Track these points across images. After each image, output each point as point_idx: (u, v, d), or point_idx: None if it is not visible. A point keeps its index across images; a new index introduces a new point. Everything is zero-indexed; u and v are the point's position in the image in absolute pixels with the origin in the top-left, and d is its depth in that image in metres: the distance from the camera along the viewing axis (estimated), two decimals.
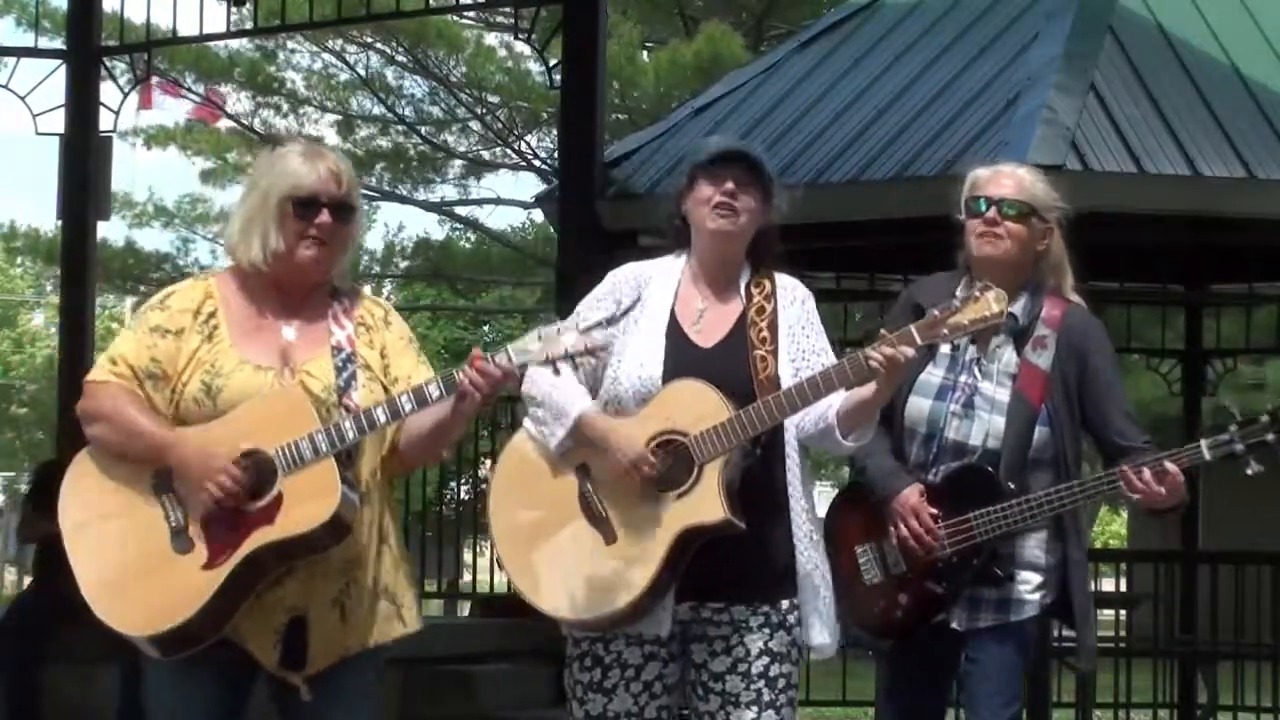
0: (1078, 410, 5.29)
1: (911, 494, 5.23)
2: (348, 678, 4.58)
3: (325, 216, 4.58)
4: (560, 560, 4.79)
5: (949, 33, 11.32)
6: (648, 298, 4.95)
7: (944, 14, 11.58)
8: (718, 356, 4.87)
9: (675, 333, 4.92)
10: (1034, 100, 10.11)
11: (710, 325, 4.94)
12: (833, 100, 11.08)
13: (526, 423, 4.91)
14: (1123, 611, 13.89)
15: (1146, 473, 5.09)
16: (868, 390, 4.73)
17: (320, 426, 4.43)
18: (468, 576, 18.31)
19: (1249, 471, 5.16)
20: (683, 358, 4.86)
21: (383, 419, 4.46)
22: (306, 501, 4.40)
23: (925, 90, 10.76)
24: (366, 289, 5.02)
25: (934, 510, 5.23)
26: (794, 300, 4.99)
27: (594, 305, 4.88)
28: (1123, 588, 14.40)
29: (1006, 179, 5.34)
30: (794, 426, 4.86)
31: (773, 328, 4.90)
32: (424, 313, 33.25)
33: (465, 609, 12.80)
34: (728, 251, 4.96)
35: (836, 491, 5.61)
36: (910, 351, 4.64)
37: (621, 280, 5.00)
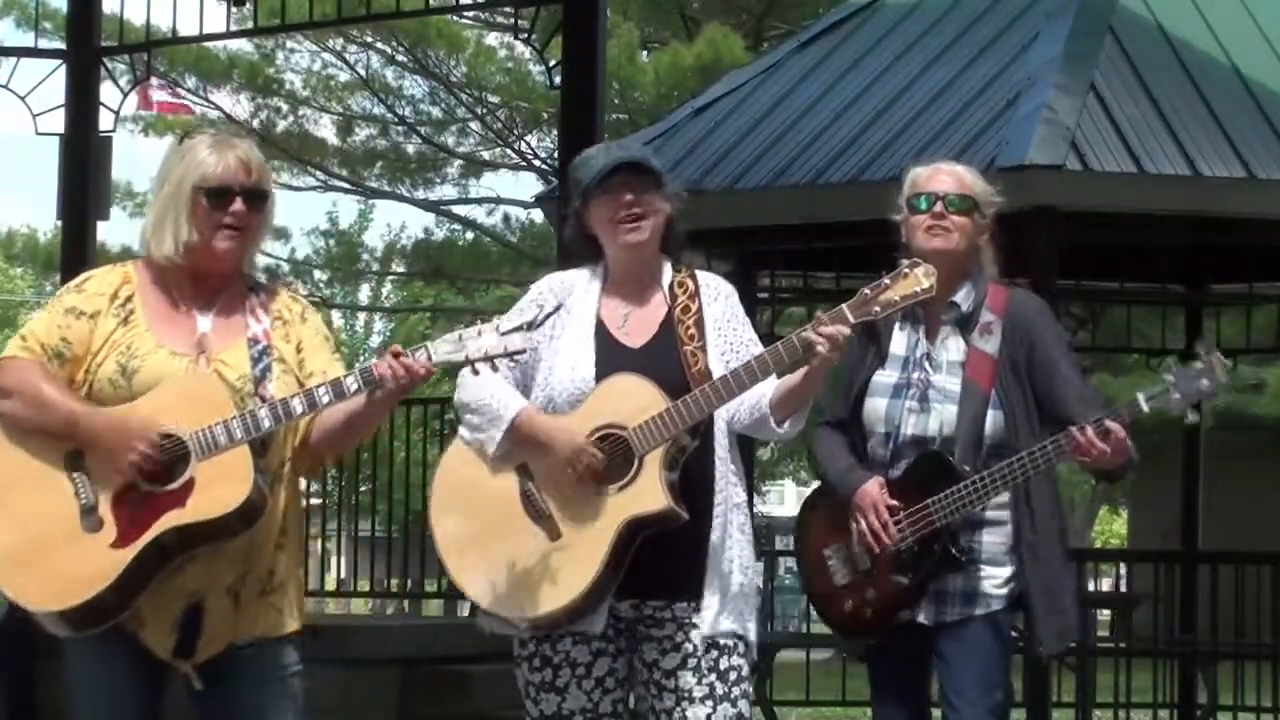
0: (1029, 393, 5.33)
1: (871, 487, 5.28)
2: (242, 666, 4.58)
3: (239, 205, 4.59)
4: (507, 562, 4.83)
5: (949, 33, 11.32)
6: (571, 304, 5.01)
7: (944, 14, 11.58)
8: (648, 355, 4.93)
9: (603, 335, 4.98)
10: (1034, 100, 10.11)
11: (636, 326, 5.00)
12: (833, 100, 11.08)
13: (462, 431, 4.95)
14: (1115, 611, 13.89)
15: (1089, 430, 5.11)
16: (797, 377, 4.81)
17: (236, 414, 4.44)
18: None
19: (1187, 420, 5.20)
20: (614, 358, 4.92)
21: (300, 409, 4.48)
22: (219, 486, 4.41)
23: (925, 90, 10.76)
24: (287, 288, 5.02)
25: (895, 502, 5.26)
26: (717, 296, 5.04)
27: (518, 312, 4.90)
28: (1123, 588, 14.42)
29: (945, 175, 5.43)
30: (725, 418, 4.92)
31: (699, 324, 4.96)
32: (424, 313, 33.24)
33: (465, 609, 12.79)
34: (642, 257, 5.02)
35: (796, 488, 5.66)
36: (846, 330, 4.71)
37: (546, 288, 5.06)
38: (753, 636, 4.97)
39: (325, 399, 4.48)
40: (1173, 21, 10.99)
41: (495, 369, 4.53)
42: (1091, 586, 14.30)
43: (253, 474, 4.42)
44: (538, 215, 25.92)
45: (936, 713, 5.46)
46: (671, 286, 5.02)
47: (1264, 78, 10.74)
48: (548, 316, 4.89)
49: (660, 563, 4.80)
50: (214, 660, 4.57)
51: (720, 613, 4.88)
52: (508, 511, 4.85)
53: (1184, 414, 5.17)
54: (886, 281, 4.77)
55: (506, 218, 28.20)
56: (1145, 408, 5.16)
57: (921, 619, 5.31)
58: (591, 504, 4.79)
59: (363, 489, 14.43)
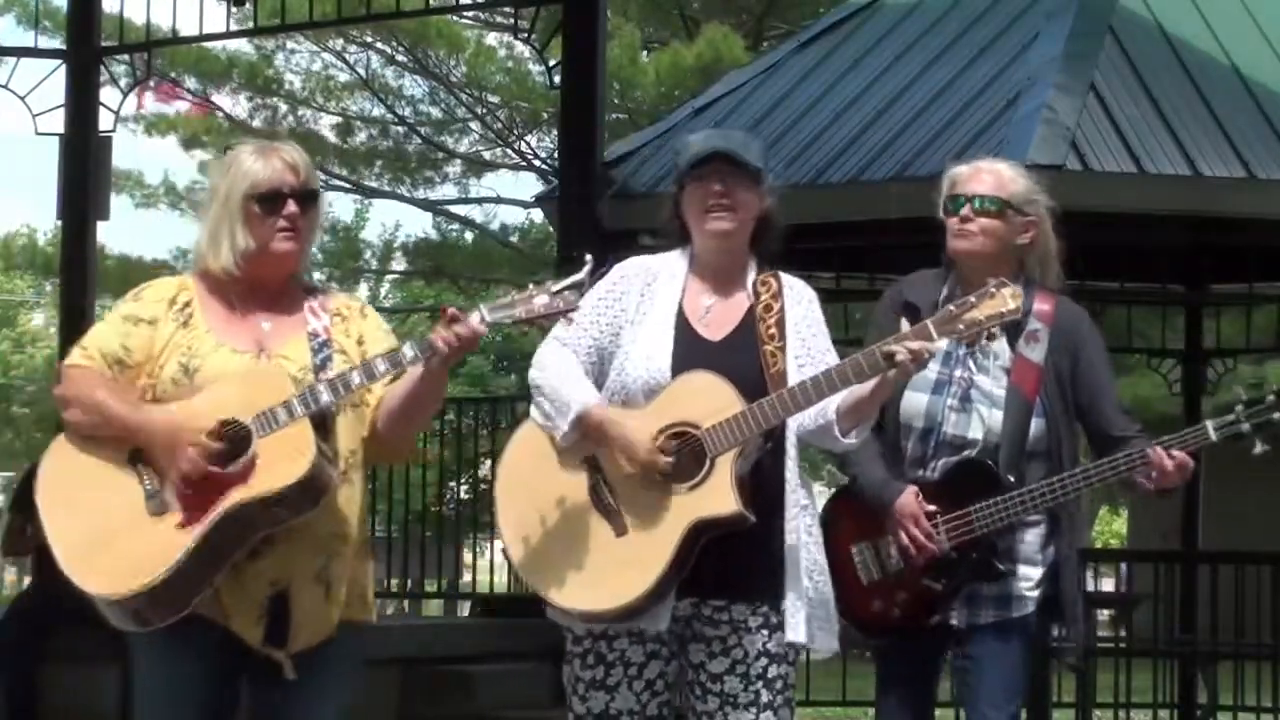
0: (1070, 402, 5.31)
1: (909, 499, 5.23)
2: (327, 654, 4.60)
3: (291, 206, 4.62)
4: (571, 554, 4.77)
5: (949, 33, 11.32)
6: (654, 291, 4.95)
7: (944, 14, 11.58)
8: (727, 350, 4.87)
9: (683, 326, 4.91)
10: (1034, 100, 10.11)
11: (717, 319, 4.94)
12: (833, 100, 11.08)
13: (533, 412, 4.90)
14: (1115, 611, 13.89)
15: (1178, 453, 5.10)
16: (867, 388, 4.74)
17: (295, 394, 4.46)
18: (468, 576, 18.30)
19: (1255, 451, 5.19)
20: (691, 350, 4.86)
21: (357, 381, 4.49)
22: (281, 462, 4.42)
23: (925, 90, 10.76)
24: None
25: (932, 508, 5.23)
26: (800, 300, 5.00)
27: (601, 298, 4.90)
28: (1123, 588, 14.42)
29: (986, 175, 5.39)
30: (794, 423, 4.86)
31: (780, 325, 4.90)
32: (424, 313, 33.24)
33: (465, 609, 12.79)
34: (729, 248, 4.96)
35: (823, 490, 5.62)
36: (933, 347, 4.68)
37: (630, 273, 4.99)
38: (824, 642, 4.89)
39: (383, 368, 4.49)
40: (1173, 21, 10.98)
41: (545, 329, 4.49)
42: (1092, 586, 14.27)
43: (314, 447, 4.43)
44: (537, 215, 25.93)
45: (937, 713, 5.45)
46: (755, 284, 4.97)
47: (1264, 78, 10.74)
48: (599, 277, 4.83)
49: (724, 563, 4.75)
50: (306, 649, 4.57)
51: (802, 620, 4.81)
52: (574, 503, 4.80)
53: (1253, 445, 5.16)
54: (973, 300, 4.73)
55: (504, 226, 28.24)
56: (1214, 437, 5.14)
57: (954, 621, 5.28)
58: (660, 502, 4.73)
59: None
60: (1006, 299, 4.71)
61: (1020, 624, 5.27)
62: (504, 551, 4.92)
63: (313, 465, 4.42)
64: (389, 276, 32.17)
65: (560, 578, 4.78)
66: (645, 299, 4.93)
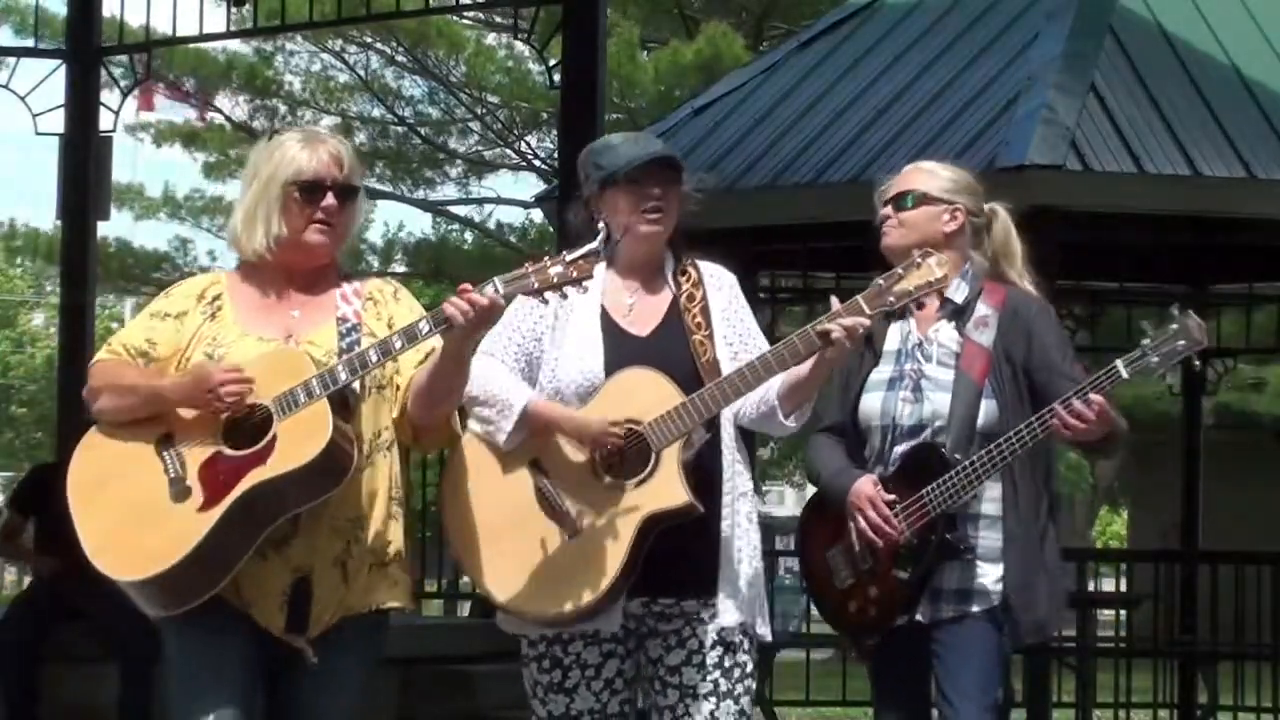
0: (1024, 386, 5.33)
1: (865, 484, 5.27)
2: (345, 639, 4.60)
3: (330, 199, 4.64)
4: (525, 561, 4.80)
5: (949, 33, 11.32)
6: (574, 296, 4.96)
7: (944, 14, 11.57)
8: (656, 344, 4.91)
9: (609, 325, 4.95)
10: (1034, 100, 10.11)
11: (642, 315, 4.98)
12: (833, 100, 11.08)
13: (472, 424, 4.92)
14: (1123, 612, 13.89)
15: (1075, 403, 5.11)
16: (805, 369, 4.79)
17: (314, 374, 4.48)
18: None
19: (1167, 381, 5.20)
20: (622, 348, 4.90)
21: (375, 358, 4.50)
22: (300, 442, 4.43)
23: (925, 90, 10.76)
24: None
25: (891, 497, 5.25)
26: (721, 286, 5.04)
27: (520, 305, 4.92)
28: (1123, 588, 14.41)
29: (907, 175, 5.51)
30: (730, 410, 4.90)
31: (705, 313, 4.95)
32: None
33: (465, 609, 12.79)
34: (656, 249, 5.01)
35: (788, 494, 5.64)
36: (865, 321, 4.72)
37: None
38: (762, 629, 4.96)
39: (398, 344, 4.50)
40: (1173, 21, 10.98)
41: (565, 296, 4.50)
42: (1092, 586, 14.27)
43: (331, 426, 4.43)
44: (537, 215, 25.92)
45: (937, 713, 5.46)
46: (675, 275, 5.02)
47: (1264, 78, 10.74)
48: (616, 244, 4.86)
49: (670, 559, 4.77)
50: (324, 633, 4.58)
51: (734, 604, 4.88)
52: (523, 509, 4.81)
53: (1164, 376, 5.16)
54: (900, 272, 4.78)
55: (500, 225, 28.23)
56: (1125, 374, 5.15)
57: (920, 617, 5.30)
58: (609, 500, 4.76)
59: None
60: (933, 268, 4.76)
61: (984, 617, 5.27)
62: (455, 566, 4.94)
63: (329, 444, 4.42)
64: (389, 277, 32.18)
65: (516, 586, 4.80)
66: (565, 302, 4.93)
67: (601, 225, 4.79)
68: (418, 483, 12.42)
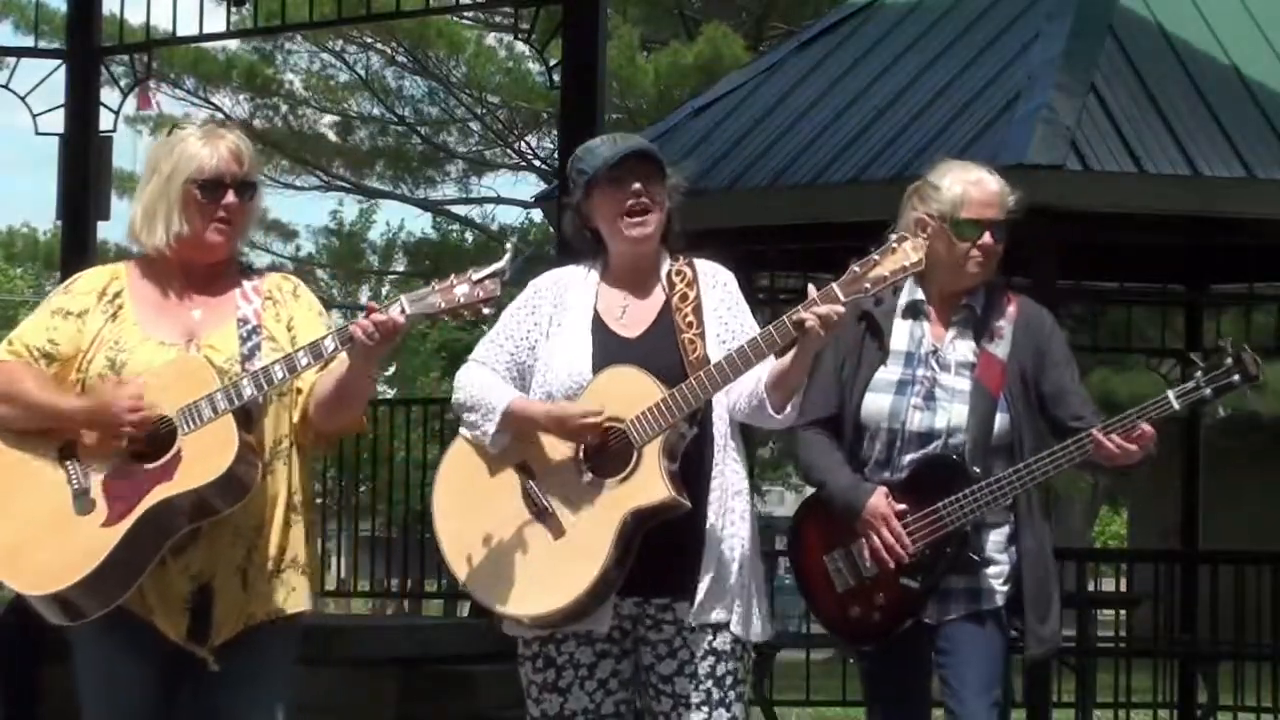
0: (1034, 398, 5.32)
1: (879, 502, 5.23)
2: (252, 648, 4.59)
3: (231, 197, 4.62)
4: (513, 562, 4.82)
5: (949, 33, 11.32)
6: (567, 301, 4.99)
7: (944, 14, 11.57)
8: (645, 344, 4.91)
9: (600, 328, 4.96)
10: (1034, 100, 10.11)
11: (634, 318, 4.98)
12: (833, 100, 11.08)
13: (461, 430, 4.95)
14: (1123, 612, 13.89)
15: (1116, 436, 5.10)
16: (788, 359, 4.76)
17: (220, 388, 4.46)
18: None
19: (1220, 414, 5.20)
20: (611, 350, 4.90)
21: (280, 374, 4.49)
22: (205, 457, 4.43)
23: (925, 90, 10.76)
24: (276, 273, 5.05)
25: (901, 506, 5.23)
26: (715, 284, 5.02)
27: (514, 314, 4.95)
28: (1123, 588, 14.41)
29: (995, 199, 5.34)
30: (724, 405, 4.89)
31: (697, 312, 4.93)
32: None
33: (465, 609, 12.79)
34: (646, 251, 4.99)
35: (788, 493, 5.63)
36: (840, 309, 4.67)
37: (543, 287, 5.04)
38: (750, 630, 4.93)
39: (304, 361, 4.49)
40: (1173, 21, 10.98)
41: (478, 316, 4.49)
42: (1092, 586, 14.28)
43: (236, 444, 4.43)
44: (537, 215, 25.93)
45: (937, 713, 5.45)
46: (669, 275, 5.00)
47: (1264, 78, 10.74)
48: (523, 263, 4.87)
49: (662, 558, 4.78)
50: (230, 641, 4.57)
51: (715, 601, 4.85)
52: (510, 510, 4.84)
53: (1216, 410, 5.15)
54: (875, 258, 4.73)
55: (501, 228, 28.23)
56: (1176, 405, 5.13)
57: (927, 619, 5.29)
58: (593, 499, 4.78)
59: (362, 489, 14.44)
60: (909, 252, 4.72)
61: (992, 616, 5.28)
62: (448, 571, 4.95)
63: (234, 462, 4.42)
64: (389, 277, 32.17)
65: (506, 588, 4.82)
66: (559, 310, 4.98)
67: (509, 246, 4.79)
68: (417, 484, 12.43)
